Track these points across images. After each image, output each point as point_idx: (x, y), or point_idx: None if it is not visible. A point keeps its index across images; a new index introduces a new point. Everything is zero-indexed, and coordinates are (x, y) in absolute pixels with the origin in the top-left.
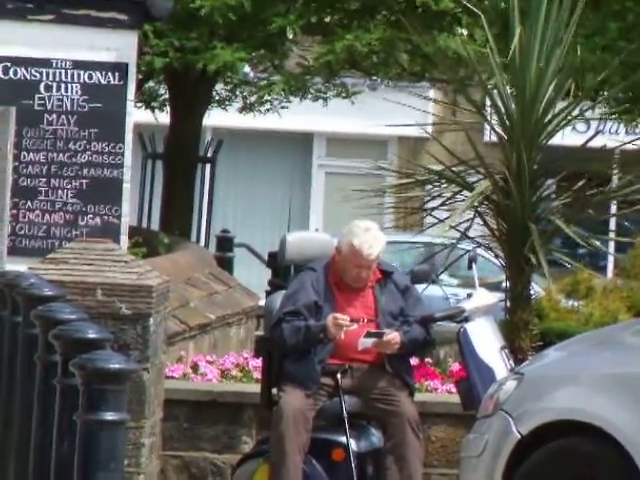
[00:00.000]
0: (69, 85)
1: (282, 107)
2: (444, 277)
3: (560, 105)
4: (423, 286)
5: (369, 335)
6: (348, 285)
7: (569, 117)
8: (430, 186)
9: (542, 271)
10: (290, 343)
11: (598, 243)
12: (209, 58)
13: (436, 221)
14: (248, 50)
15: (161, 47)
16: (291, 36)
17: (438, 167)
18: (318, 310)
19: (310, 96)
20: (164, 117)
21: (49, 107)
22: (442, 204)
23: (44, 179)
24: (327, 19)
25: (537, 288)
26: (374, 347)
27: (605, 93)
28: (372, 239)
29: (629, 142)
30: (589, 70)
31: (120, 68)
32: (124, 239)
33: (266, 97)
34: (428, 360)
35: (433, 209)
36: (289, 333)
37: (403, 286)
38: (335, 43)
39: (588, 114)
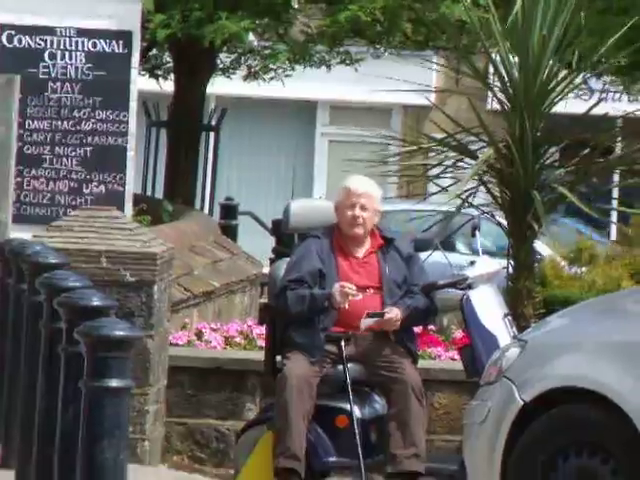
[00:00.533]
0: (73, 53)
1: (286, 75)
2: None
3: (563, 73)
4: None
5: (370, 316)
6: (352, 252)
7: (572, 85)
8: (434, 154)
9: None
10: (294, 311)
11: (598, 213)
12: (215, 31)
13: (440, 189)
14: (252, 19)
15: (164, 20)
16: (296, 5)
17: (442, 135)
18: (322, 277)
19: (314, 63)
20: (168, 85)
21: (53, 75)
22: (444, 171)
23: (48, 147)
24: None
25: (548, 251)
26: (376, 326)
27: (608, 63)
28: (360, 179)
29: (632, 112)
30: (593, 35)
31: (124, 36)
32: (128, 207)
33: (270, 65)
34: (431, 327)
35: (437, 177)
36: (293, 301)
37: (406, 254)
38: (339, 14)
39: (591, 81)
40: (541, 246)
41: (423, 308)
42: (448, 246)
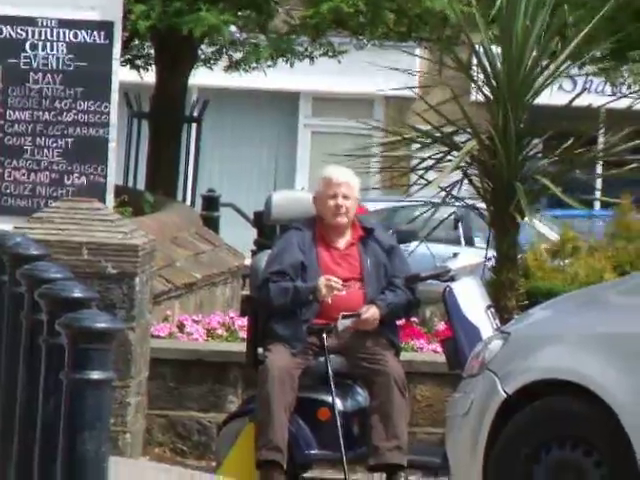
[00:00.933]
0: (54, 44)
1: (268, 66)
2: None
3: (546, 62)
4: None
5: (345, 317)
6: (333, 243)
7: (554, 75)
8: (417, 146)
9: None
10: (277, 303)
11: (581, 205)
12: (194, 22)
13: (423, 181)
14: (233, 11)
15: (145, 11)
16: None
17: (425, 127)
18: (303, 269)
19: (296, 57)
20: (150, 76)
21: (35, 66)
22: (427, 163)
23: (29, 138)
24: None
25: (554, 235)
26: (354, 326)
27: (591, 50)
28: (340, 169)
29: (613, 100)
30: (575, 25)
31: (105, 27)
32: (110, 198)
33: (252, 60)
34: (414, 319)
35: (420, 169)
36: (276, 293)
37: (388, 245)
38: (321, 4)
39: (573, 72)
40: (549, 232)
41: (404, 303)
42: (431, 238)
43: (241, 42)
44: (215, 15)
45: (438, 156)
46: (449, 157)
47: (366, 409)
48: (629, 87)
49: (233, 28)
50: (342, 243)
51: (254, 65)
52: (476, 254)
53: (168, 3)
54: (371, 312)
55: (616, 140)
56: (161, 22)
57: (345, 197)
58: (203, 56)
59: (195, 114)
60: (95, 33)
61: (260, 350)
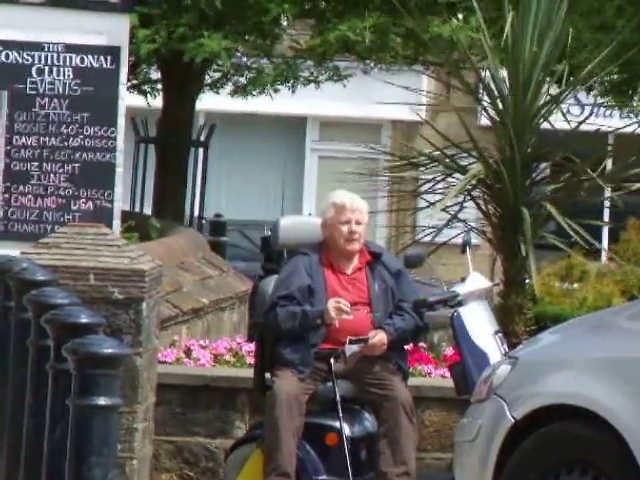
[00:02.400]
0: (61, 69)
1: (275, 90)
2: None
3: (554, 89)
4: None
5: (352, 342)
6: (341, 269)
7: (561, 99)
8: (423, 169)
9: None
10: (285, 328)
11: (587, 235)
12: (196, 48)
13: (428, 205)
14: (238, 37)
15: (148, 35)
16: (285, 23)
17: (432, 151)
18: (311, 294)
19: (301, 82)
20: (157, 101)
21: (41, 91)
22: (432, 187)
23: (36, 163)
24: (322, 5)
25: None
26: (361, 351)
27: (598, 76)
28: (351, 195)
29: (623, 127)
30: (583, 50)
31: (112, 52)
32: (117, 223)
33: (255, 87)
34: (422, 345)
35: (426, 192)
36: (284, 318)
37: (395, 270)
38: (328, 33)
39: (581, 97)
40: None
41: (412, 328)
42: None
43: (246, 67)
44: (217, 41)
45: (442, 177)
46: (455, 180)
47: (374, 434)
48: (637, 114)
49: (238, 52)
50: (349, 268)
51: (259, 89)
52: (484, 278)
53: (173, 28)
54: (379, 337)
55: (624, 164)
56: (165, 46)
57: (358, 223)
58: (209, 80)
59: (202, 139)
60: (102, 58)
61: (268, 375)
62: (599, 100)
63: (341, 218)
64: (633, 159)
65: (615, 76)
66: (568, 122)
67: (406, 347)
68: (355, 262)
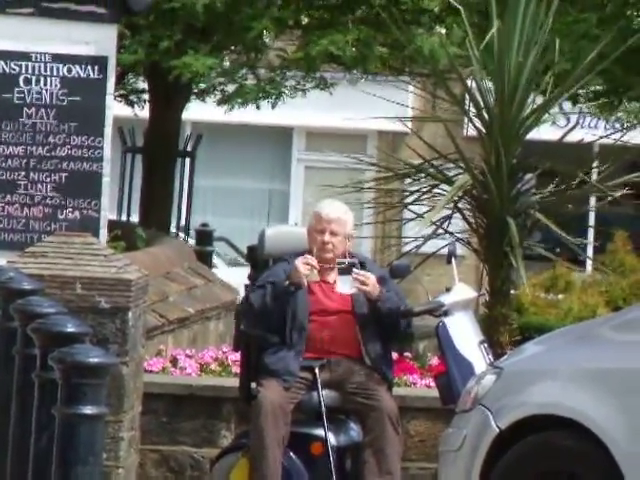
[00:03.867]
0: (48, 78)
1: (257, 106)
2: None
3: (539, 99)
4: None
5: (341, 273)
6: (323, 277)
7: (546, 110)
8: (410, 180)
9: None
10: (258, 305)
11: (573, 241)
12: (181, 67)
13: (415, 216)
14: (223, 50)
15: (133, 45)
16: (268, 40)
17: (418, 162)
18: (294, 302)
19: (287, 93)
20: (144, 111)
21: (28, 100)
22: (418, 198)
23: (23, 172)
24: (304, 21)
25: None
26: (358, 289)
27: (580, 84)
28: (333, 205)
29: (606, 136)
30: (568, 60)
31: (99, 62)
32: (103, 233)
33: (238, 100)
34: (407, 354)
35: (412, 203)
36: (255, 297)
37: (378, 277)
38: (310, 47)
39: (566, 107)
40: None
41: (397, 307)
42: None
43: (232, 77)
44: (202, 60)
45: (429, 189)
46: (441, 190)
47: (359, 444)
48: (622, 124)
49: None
50: (332, 277)
51: (241, 102)
52: (469, 289)
53: (157, 41)
54: (368, 274)
55: (608, 175)
56: (148, 58)
57: (333, 234)
58: (196, 89)
59: (189, 149)
60: (89, 68)
61: (253, 385)
62: (584, 110)
63: (317, 227)
64: (616, 166)
65: (599, 87)
66: (559, 125)
67: (392, 356)
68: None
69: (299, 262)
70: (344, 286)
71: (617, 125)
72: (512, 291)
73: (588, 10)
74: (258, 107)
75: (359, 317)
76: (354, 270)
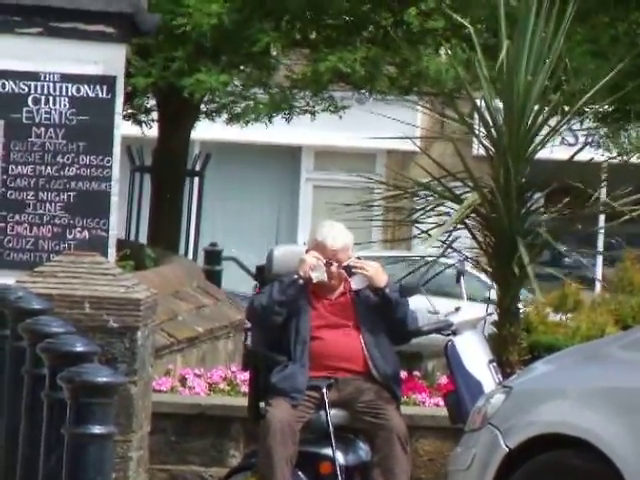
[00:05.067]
0: (57, 98)
1: (270, 120)
2: None
3: (547, 117)
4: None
5: (350, 273)
6: (324, 294)
7: (556, 129)
8: (418, 199)
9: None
10: (265, 304)
11: (584, 260)
12: (194, 84)
13: (424, 234)
14: (234, 68)
15: (145, 68)
16: (275, 53)
17: (426, 180)
18: (296, 317)
19: (296, 113)
20: (152, 130)
21: (37, 120)
22: (425, 214)
23: (32, 192)
24: (312, 36)
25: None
26: (368, 282)
27: (593, 106)
28: (336, 232)
29: (615, 156)
30: (578, 80)
31: (108, 81)
32: (112, 252)
33: (251, 115)
34: (416, 373)
35: (419, 221)
36: (261, 299)
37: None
38: (319, 64)
39: (575, 127)
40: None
41: (406, 309)
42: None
43: (242, 96)
44: (214, 77)
45: (435, 206)
46: (449, 209)
47: (368, 463)
48: (630, 144)
49: (235, 83)
50: (334, 294)
51: (253, 117)
52: (478, 308)
53: (169, 62)
54: (372, 263)
55: (617, 194)
56: (162, 80)
57: (339, 261)
58: (205, 109)
59: (197, 168)
60: (97, 87)
61: (262, 404)
62: (592, 129)
63: (322, 256)
64: (629, 188)
65: (608, 106)
66: (567, 143)
67: (401, 374)
68: (340, 288)
69: (308, 258)
70: (356, 283)
71: (626, 144)
72: (521, 310)
73: (598, 29)
74: (271, 121)
75: (363, 328)
76: (351, 262)
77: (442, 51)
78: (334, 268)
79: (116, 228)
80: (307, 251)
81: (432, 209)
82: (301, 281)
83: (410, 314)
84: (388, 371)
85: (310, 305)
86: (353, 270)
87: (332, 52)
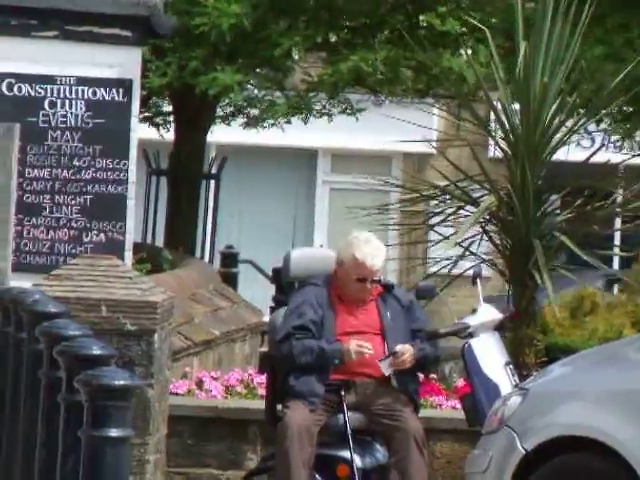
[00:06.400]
0: (73, 101)
1: (286, 122)
2: None
3: (564, 119)
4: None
5: (382, 360)
6: (350, 299)
7: (572, 131)
8: (435, 202)
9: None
10: (300, 361)
11: (601, 263)
12: (208, 82)
13: (441, 237)
14: (250, 69)
15: (161, 67)
16: (297, 57)
17: (443, 183)
18: (321, 324)
19: (313, 116)
20: (169, 133)
21: (53, 124)
22: (444, 220)
23: (48, 195)
24: (333, 39)
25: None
26: (392, 364)
27: (610, 108)
28: (374, 250)
29: (633, 156)
30: (594, 82)
31: (124, 84)
32: (128, 255)
33: (268, 119)
34: (433, 376)
35: (437, 224)
36: (300, 351)
37: (407, 301)
38: (340, 64)
39: (591, 128)
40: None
41: (431, 355)
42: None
43: (258, 99)
44: (230, 75)
45: (454, 210)
46: (466, 212)
47: (385, 466)
48: None
49: (250, 85)
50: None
51: (271, 122)
52: (495, 310)
53: (185, 62)
54: (405, 348)
55: (634, 195)
56: (178, 80)
57: (374, 279)
58: (221, 112)
59: (213, 171)
60: (114, 91)
61: (279, 407)
62: (609, 131)
63: (359, 273)
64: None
65: (625, 108)
66: (584, 146)
67: (420, 377)
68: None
69: (354, 350)
70: (386, 368)
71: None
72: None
73: (612, 31)
74: (288, 122)
75: (388, 336)
76: (399, 354)
77: (462, 51)
78: (368, 285)
79: (132, 231)
80: (339, 265)
81: (452, 214)
82: (337, 362)
83: (433, 354)
84: (407, 379)
85: (334, 312)
86: (399, 354)
87: (353, 52)
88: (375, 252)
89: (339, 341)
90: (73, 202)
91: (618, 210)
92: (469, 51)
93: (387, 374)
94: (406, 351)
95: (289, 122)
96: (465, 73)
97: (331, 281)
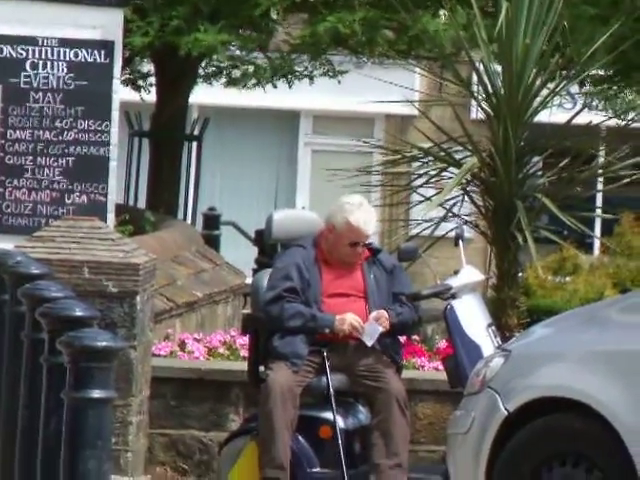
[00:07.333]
0: (55, 63)
1: (273, 86)
2: None
3: (546, 80)
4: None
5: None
6: (336, 262)
7: (554, 93)
8: (417, 163)
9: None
10: (288, 325)
11: (582, 226)
12: (192, 42)
13: (423, 199)
14: (232, 30)
15: (143, 27)
16: (275, 17)
17: (425, 145)
18: (308, 286)
19: (297, 76)
20: (151, 95)
21: (35, 85)
22: (427, 181)
23: (30, 157)
24: None
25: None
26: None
27: (593, 69)
28: (368, 214)
29: (612, 117)
30: (577, 42)
31: (106, 46)
32: (111, 217)
33: (252, 80)
34: (415, 337)
35: (420, 186)
36: (291, 315)
37: (390, 265)
38: (317, 25)
39: (573, 90)
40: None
41: (411, 319)
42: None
43: (241, 60)
44: (213, 35)
45: (436, 172)
46: (449, 174)
47: (367, 427)
48: (629, 104)
49: (233, 46)
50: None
51: (254, 81)
52: (477, 271)
53: (167, 21)
54: (380, 313)
55: (616, 157)
56: (159, 39)
57: (364, 244)
58: (203, 73)
59: (196, 132)
60: (96, 52)
61: (261, 368)
62: (591, 93)
63: (352, 238)
64: (624, 150)
65: (607, 70)
66: (566, 107)
67: (401, 339)
68: None
69: (345, 324)
70: (370, 337)
71: (624, 107)
72: (520, 273)
73: None
74: (274, 86)
75: (370, 300)
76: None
77: (442, 12)
78: (359, 249)
79: (115, 193)
80: (329, 229)
81: (434, 175)
82: (327, 330)
83: (411, 317)
84: (389, 341)
85: (320, 275)
86: (372, 315)
87: (330, 13)
88: (368, 217)
89: (322, 303)
90: (55, 164)
91: (600, 172)
92: (447, 13)
93: (369, 345)
94: (380, 316)
95: (275, 87)
96: (441, 35)
97: (316, 243)
